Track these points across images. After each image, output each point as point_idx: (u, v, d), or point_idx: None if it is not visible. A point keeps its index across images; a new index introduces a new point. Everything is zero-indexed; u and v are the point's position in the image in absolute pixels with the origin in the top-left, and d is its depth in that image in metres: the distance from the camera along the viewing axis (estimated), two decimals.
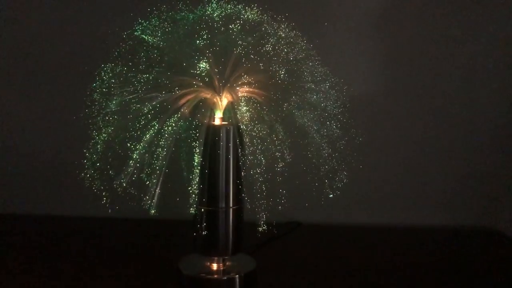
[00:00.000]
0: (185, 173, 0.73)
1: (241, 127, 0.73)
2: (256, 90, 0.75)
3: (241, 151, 0.75)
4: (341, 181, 0.78)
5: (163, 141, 0.70)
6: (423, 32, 1.09)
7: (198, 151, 0.72)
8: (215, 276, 0.78)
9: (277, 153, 0.72)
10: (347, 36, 1.10)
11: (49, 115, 1.15)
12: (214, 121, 0.77)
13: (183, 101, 0.74)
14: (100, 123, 0.73)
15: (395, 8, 1.09)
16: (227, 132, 0.74)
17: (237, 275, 0.77)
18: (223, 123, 0.77)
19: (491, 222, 1.14)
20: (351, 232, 1.10)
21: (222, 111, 0.77)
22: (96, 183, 0.72)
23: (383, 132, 1.13)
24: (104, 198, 0.72)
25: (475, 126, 1.12)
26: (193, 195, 0.71)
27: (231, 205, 0.76)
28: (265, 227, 0.71)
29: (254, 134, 0.72)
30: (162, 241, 1.01)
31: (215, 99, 0.76)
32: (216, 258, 0.79)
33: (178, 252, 0.86)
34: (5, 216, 1.17)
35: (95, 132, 0.72)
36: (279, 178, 0.72)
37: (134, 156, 0.70)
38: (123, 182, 0.69)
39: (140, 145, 0.70)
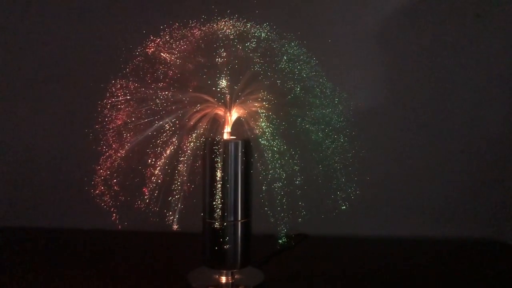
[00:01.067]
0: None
1: (251, 141, 0.75)
2: (267, 106, 0.76)
3: (250, 165, 0.76)
4: (353, 193, 0.79)
5: (184, 157, 0.72)
6: (425, 44, 1.11)
7: (207, 165, 0.73)
8: None
9: (295, 167, 0.74)
10: (351, 51, 1.12)
11: (61, 129, 1.17)
12: (222, 135, 0.78)
13: (194, 116, 0.75)
14: (110, 139, 0.74)
15: (396, 23, 1.10)
16: (236, 146, 0.75)
17: None
18: (231, 137, 0.78)
19: (497, 232, 1.14)
20: (358, 244, 1.10)
21: (230, 126, 0.78)
22: (105, 199, 0.73)
23: (387, 144, 1.14)
24: (114, 214, 0.73)
25: (480, 137, 1.13)
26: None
27: (239, 218, 0.77)
28: (285, 240, 0.73)
29: (274, 149, 0.73)
30: (172, 254, 1.02)
31: (224, 114, 0.78)
32: (224, 271, 0.80)
33: (188, 264, 0.87)
34: (16, 228, 1.19)
35: (106, 148, 0.74)
36: (298, 191, 0.74)
37: (156, 173, 0.71)
38: (146, 199, 0.70)
39: (161, 162, 0.71)
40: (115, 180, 0.74)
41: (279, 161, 0.73)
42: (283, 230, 0.73)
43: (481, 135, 1.13)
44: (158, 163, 0.72)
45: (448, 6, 1.10)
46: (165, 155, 0.72)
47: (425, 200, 1.15)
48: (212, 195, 0.75)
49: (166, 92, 0.74)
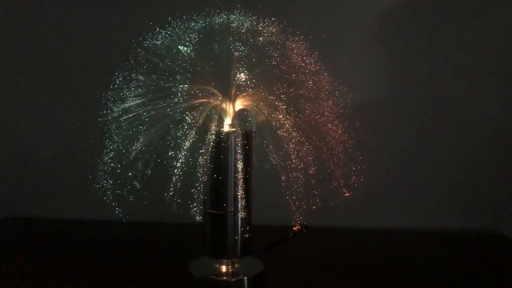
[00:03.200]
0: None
1: (251, 133, 0.76)
2: (272, 98, 0.76)
3: (250, 156, 0.77)
4: (357, 181, 0.80)
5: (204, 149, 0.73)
6: (426, 41, 1.11)
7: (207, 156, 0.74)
8: (224, 278, 0.80)
9: (309, 158, 0.75)
10: (353, 44, 1.12)
11: (66, 121, 1.19)
12: (223, 127, 0.79)
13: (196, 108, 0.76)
14: (114, 132, 0.75)
15: (397, 19, 1.11)
16: (236, 138, 0.76)
17: (245, 277, 0.79)
18: (232, 129, 0.79)
19: (496, 225, 1.15)
20: (358, 235, 1.12)
21: (231, 117, 0.79)
22: (109, 193, 0.75)
23: (388, 136, 1.15)
24: (117, 209, 0.75)
25: (481, 132, 1.14)
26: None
27: (239, 209, 0.78)
28: (299, 227, 0.76)
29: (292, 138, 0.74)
30: (174, 244, 1.04)
31: (225, 106, 0.79)
32: (225, 260, 0.82)
33: (190, 254, 0.88)
34: (20, 219, 1.21)
35: (109, 140, 0.75)
36: (313, 181, 0.75)
37: (178, 165, 0.72)
38: (171, 190, 0.71)
39: (182, 154, 0.72)
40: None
41: (295, 152, 0.74)
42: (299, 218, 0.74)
43: (482, 130, 1.14)
44: (179, 155, 0.72)
45: (449, 3, 1.10)
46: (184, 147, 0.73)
47: (426, 192, 1.16)
48: (213, 186, 0.77)
49: (169, 84, 0.75)
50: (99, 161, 0.75)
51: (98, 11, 1.15)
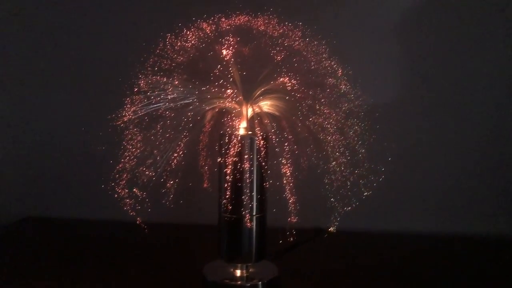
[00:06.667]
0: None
1: (268, 137, 0.75)
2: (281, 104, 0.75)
3: (265, 160, 0.76)
4: (376, 181, 0.79)
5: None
6: (443, 40, 1.09)
7: (222, 160, 0.74)
8: (239, 282, 0.79)
9: (343, 159, 0.74)
10: (368, 46, 1.11)
11: (88, 122, 1.19)
12: (239, 130, 0.78)
13: (211, 111, 0.76)
14: (130, 133, 0.75)
15: (414, 17, 1.09)
16: (252, 142, 0.76)
17: (260, 282, 0.78)
18: (248, 132, 0.78)
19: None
20: (374, 239, 1.10)
21: (247, 121, 0.79)
22: (121, 192, 0.74)
23: (403, 139, 1.13)
24: (126, 207, 0.75)
25: (498, 134, 1.11)
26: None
27: (254, 213, 0.77)
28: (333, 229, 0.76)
29: (331, 144, 0.74)
30: (189, 246, 1.04)
31: (241, 110, 0.78)
32: (239, 265, 0.81)
33: (205, 256, 0.88)
34: (40, 219, 1.22)
35: (125, 142, 0.75)
36: (348, 184, 0.74)
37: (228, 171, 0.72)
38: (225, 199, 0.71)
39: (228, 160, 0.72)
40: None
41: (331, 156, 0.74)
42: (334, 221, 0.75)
43: (499, 131, 1.11)
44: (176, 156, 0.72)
45: (468, 1, 1.08)
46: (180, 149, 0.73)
47: (440, 195, 1.14)
48: (228, 190, 0.76)
49: (184, 86, 0.74)
50: (118, 166, 0.75)
51: (123, 13, 1.16)
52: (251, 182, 0.76)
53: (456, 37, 1.09)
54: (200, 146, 0.82)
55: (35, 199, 1.25)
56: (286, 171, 0.72)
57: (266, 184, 0.77)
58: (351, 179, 0.74)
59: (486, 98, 1.11)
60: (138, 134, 0.74)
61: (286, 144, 0.72)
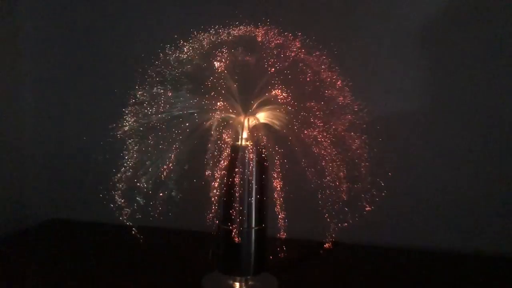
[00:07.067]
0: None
1: (266, 148, 0.74)
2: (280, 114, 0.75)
3: (265, 171, 0.75)
4: (378, 196, 0.77)
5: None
6: (471, 46, 1.06)
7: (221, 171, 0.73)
8: None
9: (340, 173, 0.73)
10: (393, 51, 1.09)
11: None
12: (238, 141, 0.78)
13: (212, 121, 0.75)
14: (131, 141, 0.76)
15: (441, 22, 1.06)
16: (250, 152, 0.75)
17: None
18: (247, 143, 0.78)
19: None
20: (378, 253, 1.07)
21: (247, 131, 0.78)
22: (120, 200, 0.75)
23: (419, 149, 1.10)
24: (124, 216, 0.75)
25: None
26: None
27: (253, 225, 0.76)
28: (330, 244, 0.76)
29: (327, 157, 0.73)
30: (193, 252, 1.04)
31: (241, 120, 0.78)
32: (238, 277, 0.80)
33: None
34: (64, 221, 1.25)
35: (126, 150, 0.75)
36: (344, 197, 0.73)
37: (216, 185, 0.71)
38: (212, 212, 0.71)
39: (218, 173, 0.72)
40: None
41: (328, 168, 0.73)
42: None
43: None
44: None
45: (496, 7, 1.04)
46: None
47: (458, 212, 1.10)
48: (226, 201, 0.75)
49: (184, 97, 0.75)
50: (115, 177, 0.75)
51: (121, 22, 1.17)
52: (249, 193, 0.75)
53: (488, 40, 1.05)
54: (207, 156, 0.81)
55: (61, 202, 1.27)
56: (277, 185, 0.70)
57: (264, 197, 0.76)
58: (350, 194, 0.72)
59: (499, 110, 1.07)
60: (136, 144, 0.74)
61: (277, 157, 0.71)
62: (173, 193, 0.74)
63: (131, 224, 0.76)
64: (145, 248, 0.92)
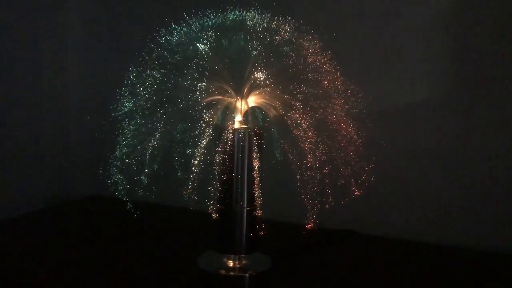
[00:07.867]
0: (179, 173, 0.76)
1: (261, 130, 0.77)
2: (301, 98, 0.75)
3: (258, 153, 0.77)
4: (367, 180, 0.78)
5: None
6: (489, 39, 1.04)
7: (216, 152, 0.75)
8: (231, 273, 0.81)
9: (323, 157, 0.74)
10: (410, 44, 1.08)
11: None
12: (233, 123, 0.80)
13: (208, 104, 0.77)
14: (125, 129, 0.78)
15: (458, 15, 1.05)
16: (244, 134, 0.77)
17: (247, 274, 0.80)
18: (242, 126, 0.80)
19: None
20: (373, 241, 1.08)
21: (242, 114, 0.80)
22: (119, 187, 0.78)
23: (438, 139, 1.09)
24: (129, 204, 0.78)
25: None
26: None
27: (245, 205, 0.79)
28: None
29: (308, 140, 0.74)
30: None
31: (235, 102, 0.79)
32: (232, 255, 0.82)
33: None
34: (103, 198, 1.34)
35: (120, 136, 0.78)
36: (326, 180, 0.74)
37: (195, 163, 0.73)
38: (189, 188, 0.73)
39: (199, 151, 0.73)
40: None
41: (312, 152, 0.73)
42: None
43: None
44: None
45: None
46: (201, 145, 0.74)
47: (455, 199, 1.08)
48: (220, 182, 0.77)
49: (182, 80, 0.76)
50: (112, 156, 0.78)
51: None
52: (242, 174, 0.77)
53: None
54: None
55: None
56: (255, 165, 0.72)
57: (256, 177, 0.78)
58: (336, 178, 0.73)
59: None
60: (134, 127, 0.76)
61: (256, 137, 0.72)
62: None
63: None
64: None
